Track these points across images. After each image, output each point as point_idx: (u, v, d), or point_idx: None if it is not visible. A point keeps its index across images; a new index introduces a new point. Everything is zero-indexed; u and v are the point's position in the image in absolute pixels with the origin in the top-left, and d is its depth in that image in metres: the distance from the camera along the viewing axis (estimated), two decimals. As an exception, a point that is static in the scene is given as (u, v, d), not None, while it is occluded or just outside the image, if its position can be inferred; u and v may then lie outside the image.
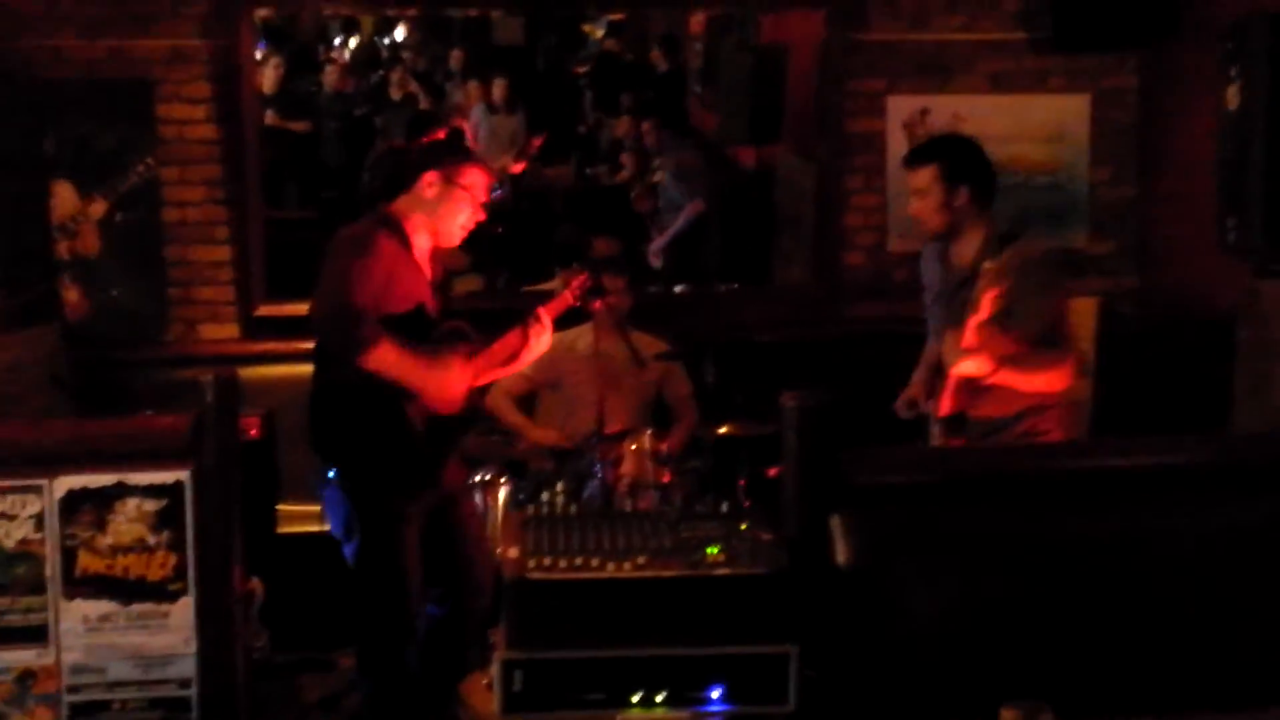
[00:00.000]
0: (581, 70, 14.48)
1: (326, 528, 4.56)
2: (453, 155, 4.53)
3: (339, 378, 4.31)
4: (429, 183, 4.41)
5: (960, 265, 4.68)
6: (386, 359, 4.21)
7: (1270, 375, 5.38)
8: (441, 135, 4.74)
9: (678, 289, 7.86)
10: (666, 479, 5.11)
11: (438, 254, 4.57)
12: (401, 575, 4.41)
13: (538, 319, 4.65)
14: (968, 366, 4.38)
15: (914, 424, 4.89)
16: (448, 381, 4.37)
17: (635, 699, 2.91)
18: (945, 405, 4.55)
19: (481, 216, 4.49)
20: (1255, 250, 5.44)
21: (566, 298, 4.97)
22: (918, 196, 4.68)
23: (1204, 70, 6.16)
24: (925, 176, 4.66)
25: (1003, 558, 3.12)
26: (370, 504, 4.43)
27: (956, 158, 4.69)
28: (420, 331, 4.39)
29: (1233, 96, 5.51)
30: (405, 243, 4.41)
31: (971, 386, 4.49)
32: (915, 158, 4.77)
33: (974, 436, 4.54)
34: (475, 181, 4.44)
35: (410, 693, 4.43)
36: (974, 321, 4.29)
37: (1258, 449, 3.56)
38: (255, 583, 4.74)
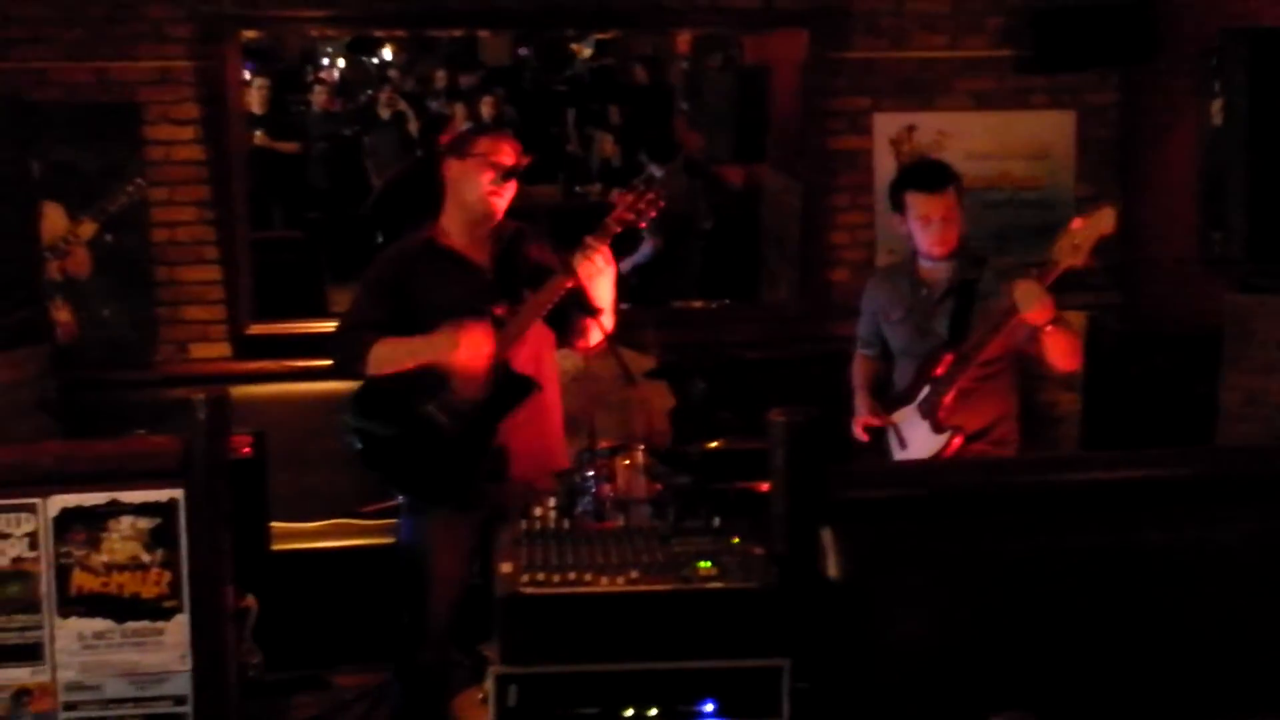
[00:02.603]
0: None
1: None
2: (463, 137, 4.58)
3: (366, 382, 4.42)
4: (449, 168, 4.47)
5: (937, 279, 4.75)
6: (380, 356, 4.27)
7: (1258, 389, 5.41)
8: (453, 133, 4.72)
9: (675, 304, 7.87)
10: (658, 493, 5.11)
11: (500, 234, 4.49)
12: (420, 578, 4.38)
13: (587, 247, 4.34)
14: (1041, 306, 4.42)
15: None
16: (453, 347, 4.22)
17: (628, 713, 2.93)
18: (947, 412, 4.59)
19: (495, 176, 4.36)
20: (1239, 265, 5.48)
21: (615, 220, 4.42)
22: (946, 221, 4.67)
23: (1186, 87, 6.20)
24: (952, 196, 4.68)
25: (990, 570, 3.15)
26: (405, 506, 4.50)
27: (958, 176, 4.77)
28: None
29: (1215, 113, 5.56)
30: (437, 245, 4.44)
31: (965, 393, 4.58)
32: (943, 179, 4.72)
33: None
34: (486, 148, 4.43)
35: (427, 696, 4.40)
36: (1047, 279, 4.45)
37: (1245, 463, 3.59)
38: (249, 600, 4.75)
